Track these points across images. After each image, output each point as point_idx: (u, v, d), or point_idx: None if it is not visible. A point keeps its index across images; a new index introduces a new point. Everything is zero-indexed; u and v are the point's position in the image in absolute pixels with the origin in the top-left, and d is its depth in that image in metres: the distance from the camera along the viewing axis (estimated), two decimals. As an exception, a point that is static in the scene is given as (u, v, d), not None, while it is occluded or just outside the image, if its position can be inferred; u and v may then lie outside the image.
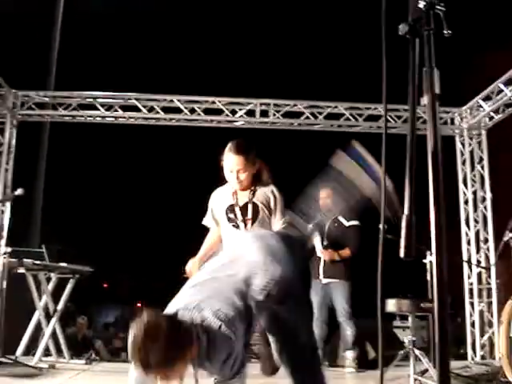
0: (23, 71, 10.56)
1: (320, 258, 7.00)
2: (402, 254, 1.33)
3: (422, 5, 1.42)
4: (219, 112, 8.70)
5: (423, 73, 1.33)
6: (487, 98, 8.40)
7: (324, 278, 6.98)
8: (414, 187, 1.30)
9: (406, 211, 1.31)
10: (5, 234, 6.87)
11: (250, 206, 3.86)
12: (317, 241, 7.02)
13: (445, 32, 1.36)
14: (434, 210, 1.29)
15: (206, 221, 4.14)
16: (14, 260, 6.53)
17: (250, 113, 8.70)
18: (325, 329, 7.03)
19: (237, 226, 3.88)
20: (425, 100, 1.32)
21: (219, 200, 4.02)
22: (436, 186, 1.27)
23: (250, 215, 3.86)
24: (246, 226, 3.85)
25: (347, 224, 7.02)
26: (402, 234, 1.32)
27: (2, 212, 8.05)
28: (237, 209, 3.88)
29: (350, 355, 6.85)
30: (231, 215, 3.89)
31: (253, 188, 3.92)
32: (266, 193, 3.91)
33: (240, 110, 8.68)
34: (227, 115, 8.66)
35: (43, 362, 6.51)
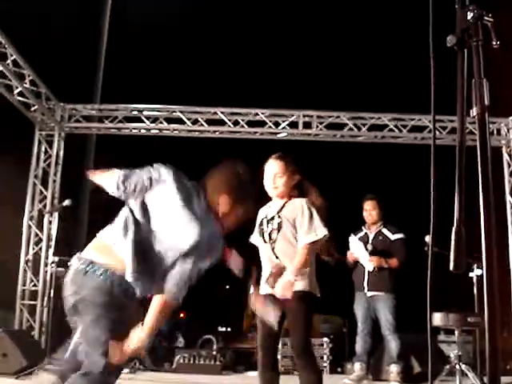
0: (71, 85, 10.80)
1: (364, 269, 6.91)
2: (451, 267, 1.31)
3: (470, 16, 1.41)
4: (262, 124, 8.75)
5: (472, 84, 1.32)
6: (535, 108, 8.25)
7: (368, 290, 6.89)
8: (463, 199, 1.28)
9: (455, 223, 1.30)
10: (53, 243, 7.02)
11: (276, 218, 3.74)
12: (361, 250, 6.91)
13: (493, 43, 1.34)
14: (484, 222, 1.27)
15: (253, 238, 3.95)
16: (61, 269, 6.67)
17: (293, 124, 8.72)
18: (369, 342, 6.93)
19: (263, 239, 3.77)
20: (474, 112, 1.30)
21: (260, 215, 3.90)
22: (486, 198, 1.26)
23: (275, 227, 3.72)
24: (270, 239, 3.73)
25: (393, 238, 6.91)
26: (452, 247, 1.30)
27: (50, 222, 8.24)
28: (265, 221, 3.78)
29: (394, 369, 6.74)
30: (262, 227, 3.78)
31: (286, 200, 3.80)
32: (296, 206, 3.76)
33: (283, 121, 8.71)
34: (270, 127, 8.70)
35: (89, 370, 6.59)
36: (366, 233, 7.00)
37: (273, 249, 3.67)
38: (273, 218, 3.74)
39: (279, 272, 3.56)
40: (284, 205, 3.75)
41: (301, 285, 3.57)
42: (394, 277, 6.88)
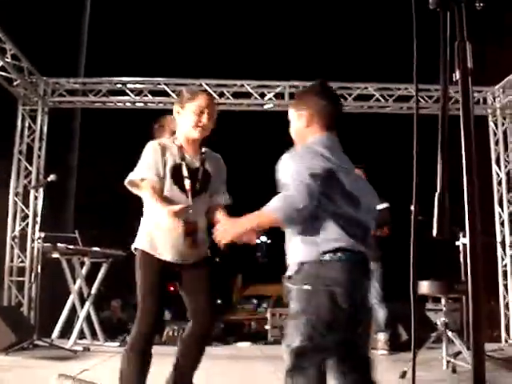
0: (53, 59, 10.65)
1: None
2: (434, 234, 1.30)
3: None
4: (248, 95, 8.68)
5: (455, 47, 1.29)
6: (521, 76, 8.23)
7: None
8: (446, 165, 1.27)
9: (438, 189, 1.28)
10: (39, 219, 6.97)
11: (201, 171, 3.32)
12: None
13: (476, 5, 1.31)
14: (468, 189, 1.26)
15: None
16: (48, 245, 6.65)
17: (279, 95, 8.66)
18: None
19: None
20: (457, 75, 1.28)
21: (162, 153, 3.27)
22: (469, 164, 1.24)
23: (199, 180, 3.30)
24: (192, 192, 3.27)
25: (378, 207, 6.95)
26: (435, 213, 1.29)
27: (36, 198, 8.17)
28: (185, 169, 3.26)
29: (381, 337, 6.83)
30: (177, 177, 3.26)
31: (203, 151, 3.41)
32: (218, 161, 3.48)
33: (269, 92, 8.64)
34: (256, 98, 8.64)
35: (78, 345, 6.63)
36: None
37: None
38: (197, 170, 3.40)
39: None
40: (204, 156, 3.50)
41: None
42: (380, 247, 6.94)
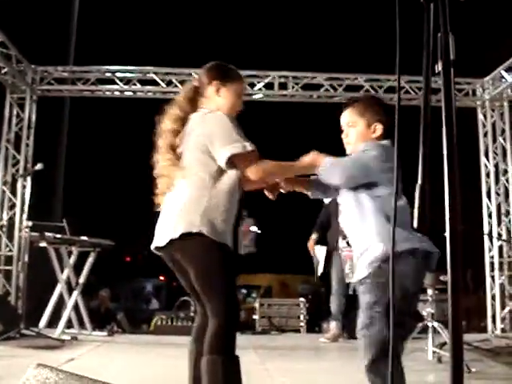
0: (42, 46, 10.57)
1: (338, 229, 7.04)
2: (415, 225, 1.30)
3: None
4: (237, 84, 8.65)
5: (437, 38, 1.29)
6: (510, 69, 8.25)
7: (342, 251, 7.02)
8: (427, 156, 1.27)
9: (419, 180, 1.28)
10: (26, 208, 6.95)
11: None
12: (321, 257, 7.34)
13: (461, -4, 1.31)
14: (448, 180, 1.26)
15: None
16: (35, 234, 6.62)
17: (269, 85, 8.65)
18: (343, 301, 7.07)
19: None
20: (439, 67, 1.28)
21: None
22: (450, 155, 1.24)
23: None
24: None
25: None
26: (416, 204, 1.29)
27: (24, 187, 8.13)
28: None
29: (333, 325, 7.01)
30: None
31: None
32: None
33: (258, 82, 8.63)
34: (245, 88, 8.61)
35: (66, 334, 6.62)
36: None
37: None
38: None
39: None
40: None
41: None
42: None
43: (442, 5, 1.27)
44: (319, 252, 7.37)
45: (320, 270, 7.38)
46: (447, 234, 1.22)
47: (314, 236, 7.31)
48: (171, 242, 2.64)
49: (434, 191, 1.26)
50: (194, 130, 2.84)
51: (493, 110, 8.81)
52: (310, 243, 7.40)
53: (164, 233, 2.70)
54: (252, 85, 8.63)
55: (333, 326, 7.13)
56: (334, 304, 7.12)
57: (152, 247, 2.78)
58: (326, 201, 7.21)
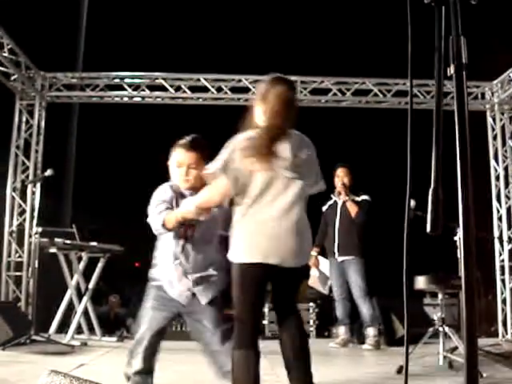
0: (51, 53, 10.62)
1: (334, 234, 7.05)
2: (428, 229, 1.30)
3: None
4: (246, 90, 8.67)
5: (449, 41, 1.29)
6: (519, 72, 8.22)
7: (339, 255, 7.01)
8: (440, 159, 1.26)
9: (432, 184, 1.28)
10: (36, 214, 6.97)
11: None
12: (325, 270, 7.34)
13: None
14: (461, 184, 1.25)
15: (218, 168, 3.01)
16: (45, 240, 6.64)
17: (277, 90, 8.63)
18: (348, 305, 7.05)
19: None
20: (451, 70, 1.27)
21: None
22: (464, 159, 1.23)
23: None
24: None
25: (359, 199, 7.08)
26: (429, 208, 1.29)
27: (33, 193, 8.17)
28: None
29: (370, 332, 6.84)
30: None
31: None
32: None
33: (266, 87, 8.62)
34: (254, 93, 8.62)
35: (75, 340, 6.63)
36: (335, 200, 7.19)
37: None
38: None
39: None
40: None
41: None
42: (363, 240, 7.00)
43: (453, 7, 1.27)
44: (323, 266, 7.34)
45: (329, 282, 7.35)
46: (461, 238, 1.21)
47: (314, 253, 7.12)
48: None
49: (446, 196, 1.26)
50: None
51: (502, 114, 8.79)
52: (313, 261, 7.22)
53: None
54: (260, 90, 8.62)
55: (342, 331, 7.10)
56: (340, 309, 7.11)
57: (275, 262, 2.88)
58: (324, 208, 7.27)
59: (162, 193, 3.34)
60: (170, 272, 3.27)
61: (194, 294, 3.25)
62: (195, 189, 3.26)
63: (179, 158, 3.35)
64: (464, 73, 1.26)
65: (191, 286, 3.25)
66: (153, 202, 3.29)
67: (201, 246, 3.29)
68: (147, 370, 3.25)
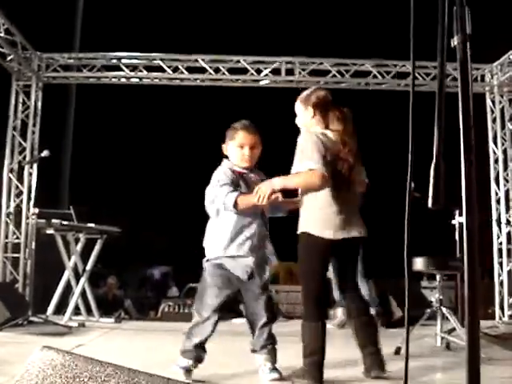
0: (48, 33, 10.52)
1: None
2: (430, 203, 1.27)
3: None
4: (244, 71, 8.60)
5: (453, 12, 1.25)
6: (519, 54, 8.16)
7: None
8: (442, 133, 1.23)
9: (434, 157, 1.25)
10: (33, 195, 6.94)
11: None
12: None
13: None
14: (465, 165, 1.22)
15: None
16: (42, 221, 6.61)
17: (276, 71, 8.59)
18: None
19: None
20: (455, 41, 1.24)
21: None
22: (467, 137, 1.20)
23: None
24: None
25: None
26: (430, 182, 1.26)
27: (30, 174, 8.13)
28: None
29: None
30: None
31: None
32: None
33: (265, 68, 8.57)
34: (252, 74, 8.57)
35: (73, 321, 6.63)
36: None
37: None
38: None
39: None
40: None
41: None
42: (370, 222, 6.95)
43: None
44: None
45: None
46: (464, 221, 1.18)
47: None
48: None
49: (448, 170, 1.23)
50: None
51: (501, 96, 8.73)
52: None
53: (362, 227, 3.78)
54: (258, 71, 8.57)
55: (339, 313, 7.11)
56: (336, 291, 7.10)
57: (342, 236, 3.63)
58: None
59: (225, 174, 3.67)
60: (234, 249, 3.60)
61: (253, 272, 3.62)
62: (250, 168, 3.76)
63: (242, 139, 3.73)
64: (468, 44, 1.22)
65: (253, 263, 3.61)
66: (216, 182, 3.64)
67: (263, 227, 3.71)
68: (203, 345, 3.59)
